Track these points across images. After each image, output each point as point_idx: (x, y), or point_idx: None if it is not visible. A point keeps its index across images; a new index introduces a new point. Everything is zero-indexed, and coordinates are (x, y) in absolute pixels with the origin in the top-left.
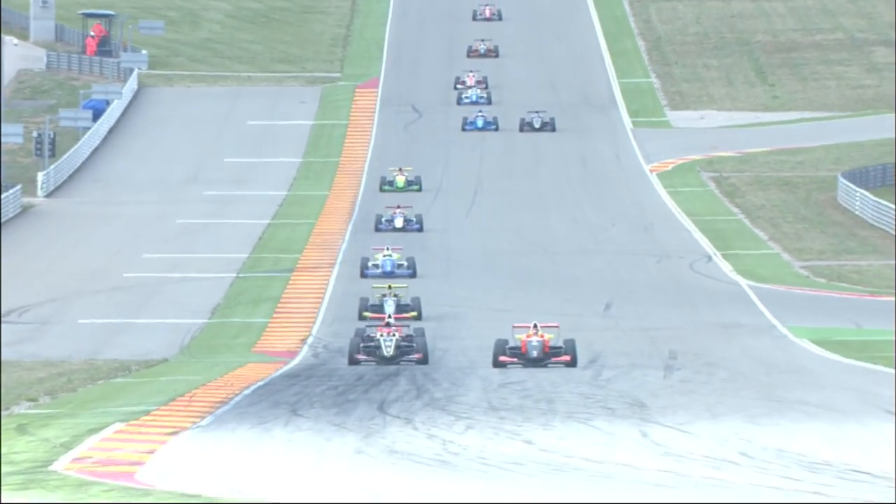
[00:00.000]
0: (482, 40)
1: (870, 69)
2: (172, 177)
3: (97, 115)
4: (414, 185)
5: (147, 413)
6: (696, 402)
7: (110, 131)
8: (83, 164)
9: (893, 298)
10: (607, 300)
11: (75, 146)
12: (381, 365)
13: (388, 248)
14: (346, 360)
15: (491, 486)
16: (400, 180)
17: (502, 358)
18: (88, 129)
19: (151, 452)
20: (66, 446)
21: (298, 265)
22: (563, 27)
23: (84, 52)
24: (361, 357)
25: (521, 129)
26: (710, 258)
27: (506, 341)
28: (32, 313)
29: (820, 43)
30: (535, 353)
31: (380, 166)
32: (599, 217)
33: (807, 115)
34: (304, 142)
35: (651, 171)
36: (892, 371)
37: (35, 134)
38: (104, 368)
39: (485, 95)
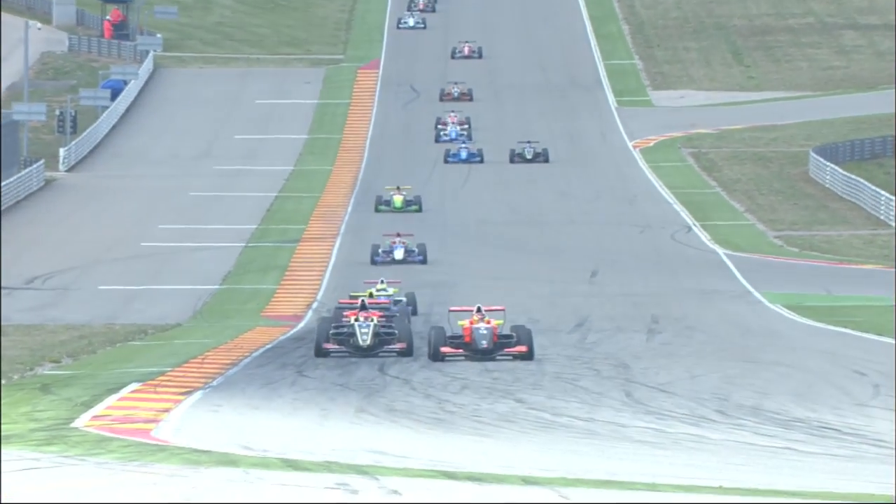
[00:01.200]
0: (455, 83)
1: (839, 51)
2: (186, 152)
3: (115, 94)
4: (413, 205)
5: (162, 374)
6: (677, 364)
7: (127, 110)
8: (102, 140)
9: (864, 267)
10: (593, 268)
11: (95, 124)
12: (356, 356)
13: (382, 282)
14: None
15: (484, 442)
16: (398, 200)
17: (444, 349)
18: (107, 107)
19: (166, 411)
20: (87, 405)
21: (304, 235)
22: (550, 12)
23: (102, 35)
24: (331, 347)
25: (512, 161)
26: (689, 229)
27: (442, 329)
28: (55, 280)
29: (792, 27)
30: (483, 343)
31: (381, 143)
32: (585, 190)
33: (780, 94)
34: (309, 120)
35: (634, 147)
36: (861, 334)
37: (57, 112)
38: (122, 332)
39: (465, 133)
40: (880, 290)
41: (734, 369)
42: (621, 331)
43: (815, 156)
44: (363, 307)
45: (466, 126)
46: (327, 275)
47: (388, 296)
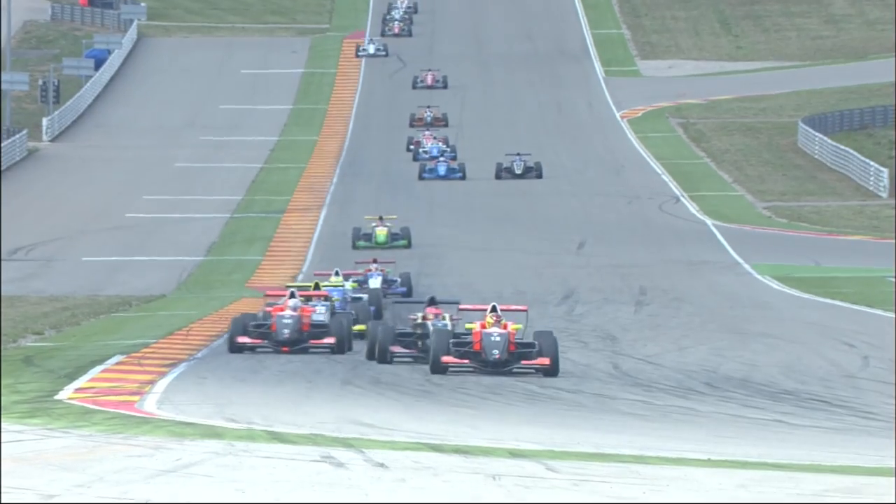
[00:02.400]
0: (427, 107)
1: (828, 21)
2: (170, 122)
3: (99, 63)
4: (400, 238)
5: (146, 346)
6: (665, 336)
7: (111, 79)
8: (86, 110)
9: (858, 238)
10: (581, 239)
11: (78, 93)
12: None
13: (337, 273)
14: None
15: (471, 415)
16: (381, 233)
17: (446, 359)
18: (91, 77)
19: (150, 383)
20: (70, 377)
21: (289, 206)
22: None
23: (83, 3)
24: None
25: (499, 176)
26: (677, 199)
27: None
28: (38, 251)
29: None
30: (496, 354)
31: (367, 113)
32: (573, 160)
33: (769, 64)
34: (295, 90)
35: (622, 117)
36: (850, 306)
37: (40, 82)
38: (106, 303)
39: (448, 149)
40: (869, 262)
41: (723, 341)
42: (609, 302)
43: (804, 126)
44: (292, 296)
45: (447, 146)
46: (312, 246)
47: (337, 288)
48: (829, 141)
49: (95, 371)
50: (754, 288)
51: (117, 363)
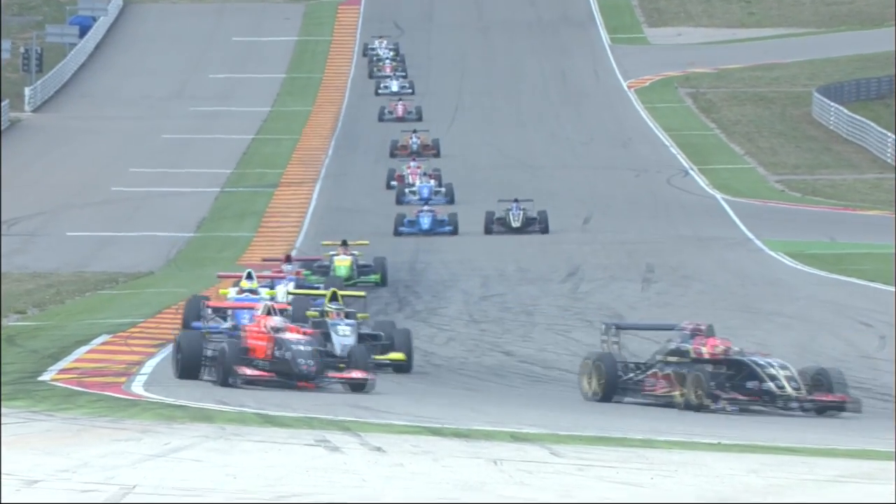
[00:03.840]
0: (414, 132)
1: None
2: (158, 92)
3: (84, 31)
4: (371, 272)
5: (134, 325)
6: (673, 314)
7: (97, 47)
8: (70, 79)
9: (870, 213)
10: (586, 214)
11: (62, 62)
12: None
13: (249, 275)
14: None
15: (472, 397)
16: (341, 265)
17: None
18: (75, 45)
19: (138, 364)
20: (55, 357)
21: (282, 180)
22: None
23: None
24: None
25: (489, 230)
26: (686, 172)
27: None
28: (21, 226)
29: None
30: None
31: (363, 83)
32: (578, 132)
33: (782, 31)
34: (288, 58)
35: (629, 87)
36: (867, 283)
37: (22, 50)
38: (92, 280)
39: (441, 190)
40: (887, 238)
41: (733, 320)
42: (615, 280)
43: (818, 96)
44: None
45: (439, 184)
46: (307, 221)
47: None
48: (845, 111)
49: (80, 351)
50: (766, 265)
51: (103, 343)
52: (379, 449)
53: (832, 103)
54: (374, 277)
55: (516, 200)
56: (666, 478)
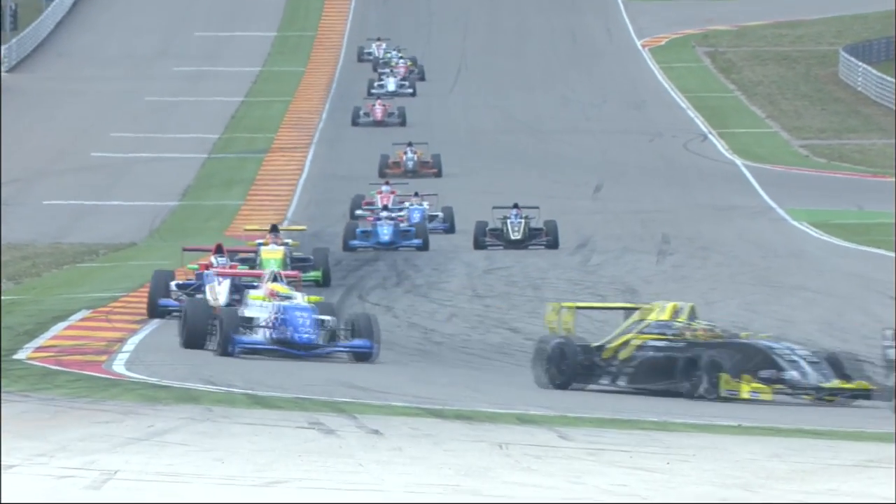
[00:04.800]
0: (408, 144)
1: None
2: (140, 51)
3: None
4: (310, 267)
5: (115, 299)
6: (690, 289)
7: (75, 3)
8: (47, 37)
9: (894, 179)
10: (597, 181)
11: (38, 19)
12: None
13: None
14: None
15: (475, 377)
16: (270, 258)
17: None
18: (52, 1)
19: (120, 341)
20: (31, 334)
21: (273, 145)
22: None
23: None
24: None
25: (481, 245)
26: (704, 137)
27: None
28: None
29: None
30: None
31: (360, 41)
32: (589, 94)
33: None
34: (280, 15)
35: (643, 46)
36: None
37: None
38: (70, 252)
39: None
40: None
41: (754, 295)
42: (628, 252)
43: (845, 55)
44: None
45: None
46: (298, 190)
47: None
48: (874, 71)
49: (58, 328)
50: (789, 235)
51: (83, 319)
52: (376, 432)
53: (860, 63)
54: (313, 275)
55: (516, 207)
56: (683, 463)
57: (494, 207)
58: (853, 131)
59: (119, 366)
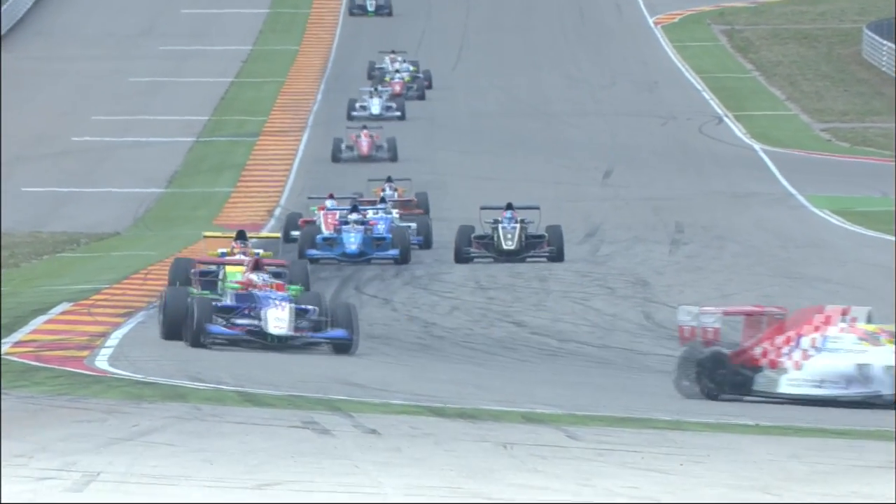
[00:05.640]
0: (388, 180)
1: None
2: (124, 30)
3: None
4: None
5: (98, 291)
6: (705, 280)
7: None
8: (25, 15)
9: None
10: (607, 167)
11: None
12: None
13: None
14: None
15: (478, 373)
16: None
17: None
18: None
19: (103, 335)
20: (9, 328)
21: (265, 129)
22: None
23: None
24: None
25: (464, 257)
26: (720, 120)
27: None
28: None
29: None
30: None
31: (357, 18)
32: (598, 74)
33: None
34: None
35: (656, 23)
36: None
37: None
38: (50, 242)
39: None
40: None
41: (773, 287)
42: (639, 241)
43: (869, 33)
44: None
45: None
46: (292, 175)
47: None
48: None
49: (38, 321)
50: (810, 224)
51: (63, 312)
52: (373, 431)
53: (885, 41)
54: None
55: (510, 207)
56: (697, 464)
57: (483, 208)
58: (877, 114)
59: (102, 362)
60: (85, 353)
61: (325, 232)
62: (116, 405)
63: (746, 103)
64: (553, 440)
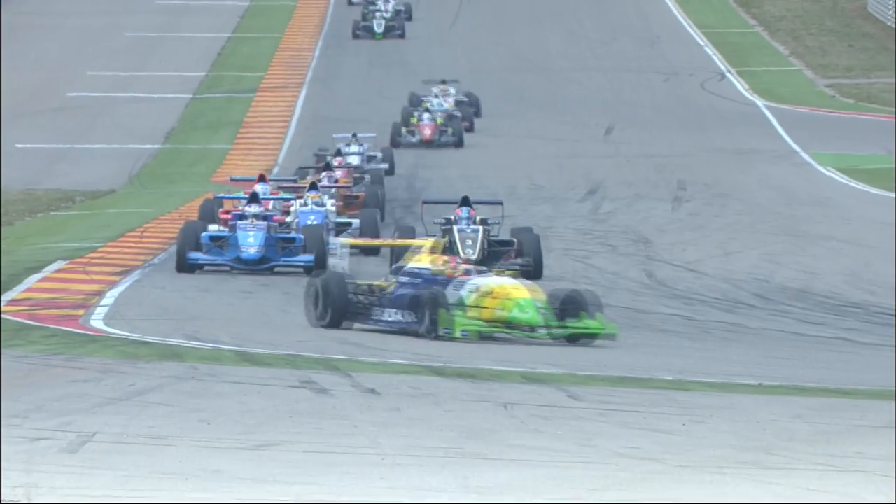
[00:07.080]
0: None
1: None
2: None
3: None
4: None
5: (93, 250)
6: (707, 238)
7: None
8: None
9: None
10: (608, 123)
11: None
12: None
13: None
14: None
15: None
16: None
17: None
18: None
19: (98, 294)
20: (3, 286)
21: (262, 85)
22: None
23: None
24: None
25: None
26: (723, 76)
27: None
28: None
29: None
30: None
31: None
32: (599, 30)
33: None
34: None
35: None
36: None
37: None
38: (45, 199)
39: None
40: None
41: (776, 245)
42: (641, 199)
43: None
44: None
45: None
46: (290, 132)
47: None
48: None
49: (32, 280)
50: (814, 181)
51: (58, 270)
52: (372, 391)
53: None
54: None
55: (467, 203)
56: (699, 424)
57: (426, 202)
58: (883, 69)
59: (97, 321)
60: (80, 311)
61: (214, 229)
62: (112, 365)
63: (749, 59)
64: (554, 400)
